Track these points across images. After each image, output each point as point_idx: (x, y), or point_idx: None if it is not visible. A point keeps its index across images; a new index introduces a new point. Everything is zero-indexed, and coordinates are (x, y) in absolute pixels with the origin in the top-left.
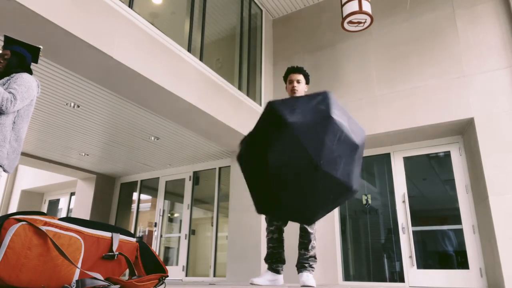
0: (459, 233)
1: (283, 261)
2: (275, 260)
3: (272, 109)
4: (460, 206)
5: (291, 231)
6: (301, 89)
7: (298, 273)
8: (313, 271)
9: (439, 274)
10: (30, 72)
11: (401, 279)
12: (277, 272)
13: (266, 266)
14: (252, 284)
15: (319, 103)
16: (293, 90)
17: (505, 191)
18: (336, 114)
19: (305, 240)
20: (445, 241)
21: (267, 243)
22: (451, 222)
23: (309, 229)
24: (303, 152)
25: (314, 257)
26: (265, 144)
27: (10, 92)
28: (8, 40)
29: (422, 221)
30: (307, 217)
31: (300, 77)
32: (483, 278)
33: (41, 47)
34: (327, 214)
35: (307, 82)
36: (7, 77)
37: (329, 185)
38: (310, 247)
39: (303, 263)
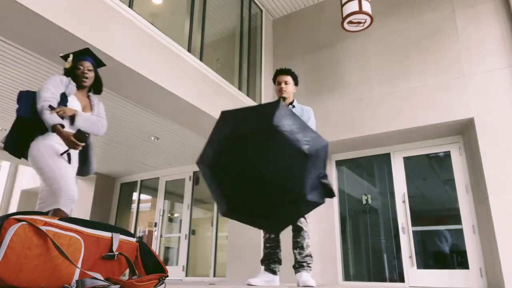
0: (459, 233)
1: (279, 262)
2: (272, 261)
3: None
4: (460, 206)
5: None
6: (290, 90)
7: (296, 273)
8: (310, 270)
9: (439, 274)
10: None
11: (401, 279)
12: (274, 272)
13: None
14: (248, 284)
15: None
16: (281, 91)
17: (505, 191)
18: (280, 123)
19: (298, 239)
20: (445, 241)
21: (264, 243)
22: (451, 222)
23: (303, 227)
24: (248, 161)
25: (310, 256)
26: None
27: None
28: (88, 52)
29: (422, 221)
30: (262, 224)
31: (288, 78)
32: (483, 278)
33: (105, 64)
34: (290, 223)
35: (296, 84)
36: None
37: (277, 191)
38: (305, 246)
39: (300, 263)
